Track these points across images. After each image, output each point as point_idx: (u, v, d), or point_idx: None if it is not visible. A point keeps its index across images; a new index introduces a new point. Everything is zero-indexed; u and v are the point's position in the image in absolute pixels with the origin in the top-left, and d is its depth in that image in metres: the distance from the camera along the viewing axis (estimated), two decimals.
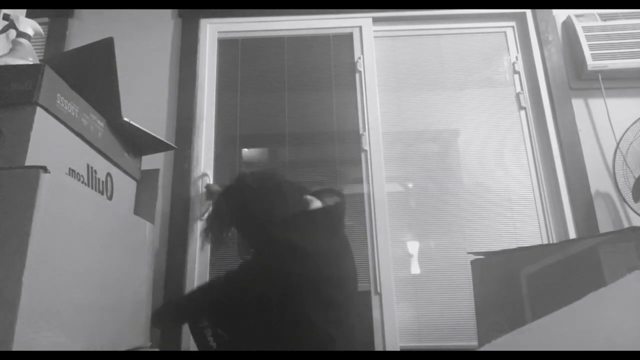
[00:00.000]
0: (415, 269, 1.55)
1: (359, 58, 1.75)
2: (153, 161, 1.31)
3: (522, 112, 1.71)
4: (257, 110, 1.72)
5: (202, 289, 1.12)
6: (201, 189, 1.60)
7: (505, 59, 1.78)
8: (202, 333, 0.98)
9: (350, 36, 1.79)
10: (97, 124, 0.97)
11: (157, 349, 1.17)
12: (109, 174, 1.02)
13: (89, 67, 1.02)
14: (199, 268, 1.53)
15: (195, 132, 1.66)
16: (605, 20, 1.68)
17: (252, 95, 1.74)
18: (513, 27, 1.82)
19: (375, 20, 1.79)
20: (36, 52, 1.04)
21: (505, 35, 1.81)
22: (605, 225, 1.50)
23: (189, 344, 1.41)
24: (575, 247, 0.98)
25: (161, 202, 1.54)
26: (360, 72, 1.74)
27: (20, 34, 1.00)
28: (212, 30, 1.80)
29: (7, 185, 0.66)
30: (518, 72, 1.75)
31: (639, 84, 1.63)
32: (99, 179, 0.98)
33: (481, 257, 1.25)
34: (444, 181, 1.63)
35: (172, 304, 1.25)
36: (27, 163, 0.73)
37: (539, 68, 1.71)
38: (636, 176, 1.38)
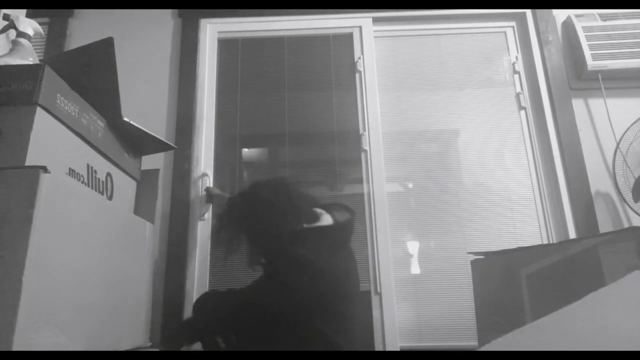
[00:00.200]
0: (415, 269, 1.55)
1: (359, 58, 1.75)
2: (153, 161, 1.31)
3: (522, 112, 1.70)
4: (257, 110, 1.72)
5: (216, 307, 1.07)
6: (201, 188, 1.60)
7: (505, 59, 1.78)
8: (215, 340, 1.00)
9: (350, 36, 1.79)
10: (97, 123, 0.97)
11: (157, 349, 1.17)
12: (109, 174, 1.02)
13: (89, 67, 1.02)
14: (198, 268, 1.53)
15: (195, 132, 1.66)
16: (605, 20, 1.68)
17: (252, 95, 1.74)
18: (513, 27, 1.82)
19: (375, 20, 1.79)
20: (36, 52, 1.04)
21: (505, 35, 1.81)
22: (605, 225, 1.50)
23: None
24: (575, 247, 0.98)
25: (161, 202, 1.54)
26: (360, 72, 1.74)
27: (20, 34, 0.99)
28: (212, 30, 1.80)
29: (7, 185, 0.66)
30: (518, 72, 1.75)
31: (639, 84, 1.63)
32: (99, 179, 0.98)
33: (481, 257, 1.25)
34: (444, 181, 1.63)
35: (185, 325, 1.18)
36: (27, 163, 0.73)
37: (539, 68, 1.71)
38: (636, 176, 1.38)
